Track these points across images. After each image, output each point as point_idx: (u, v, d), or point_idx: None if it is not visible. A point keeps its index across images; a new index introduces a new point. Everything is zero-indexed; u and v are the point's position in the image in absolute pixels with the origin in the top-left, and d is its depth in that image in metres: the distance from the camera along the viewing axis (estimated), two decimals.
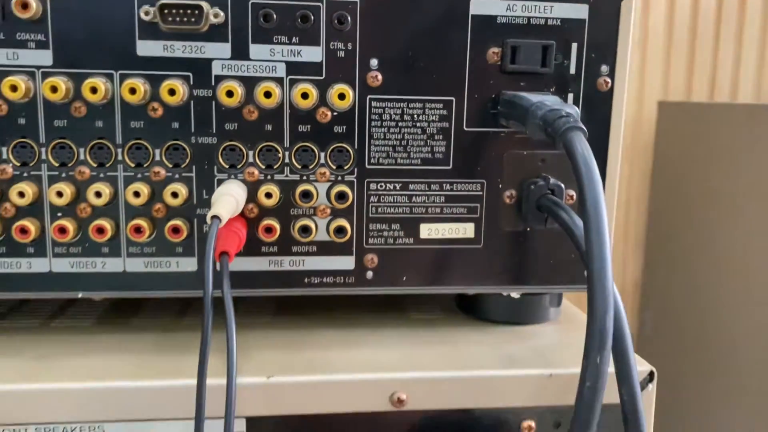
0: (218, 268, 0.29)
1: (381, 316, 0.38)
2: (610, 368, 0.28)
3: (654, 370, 0.31)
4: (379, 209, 0.33)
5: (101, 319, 0.37)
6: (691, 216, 1.07)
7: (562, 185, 0.34)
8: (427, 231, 0.34)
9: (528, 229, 0.34)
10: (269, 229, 0.32)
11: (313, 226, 0.33)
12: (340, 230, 0.33)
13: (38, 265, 0.32)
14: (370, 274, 0.34)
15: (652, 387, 0.31)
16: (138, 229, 0.31)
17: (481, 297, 0.37)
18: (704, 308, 1.03)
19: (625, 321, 0.28)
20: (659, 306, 1.20)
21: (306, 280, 0.34)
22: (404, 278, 0.34)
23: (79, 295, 0.32)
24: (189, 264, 0.33)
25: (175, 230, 0.32)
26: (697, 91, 1.16)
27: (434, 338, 0.35)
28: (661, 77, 1.16)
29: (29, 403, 0.28)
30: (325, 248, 0.33)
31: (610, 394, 0.29)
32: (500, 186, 0.34)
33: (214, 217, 0.28)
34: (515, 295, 0.36)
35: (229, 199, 0.30)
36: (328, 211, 0.33)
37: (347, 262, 0.34)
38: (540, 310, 0.37)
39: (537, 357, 0.32)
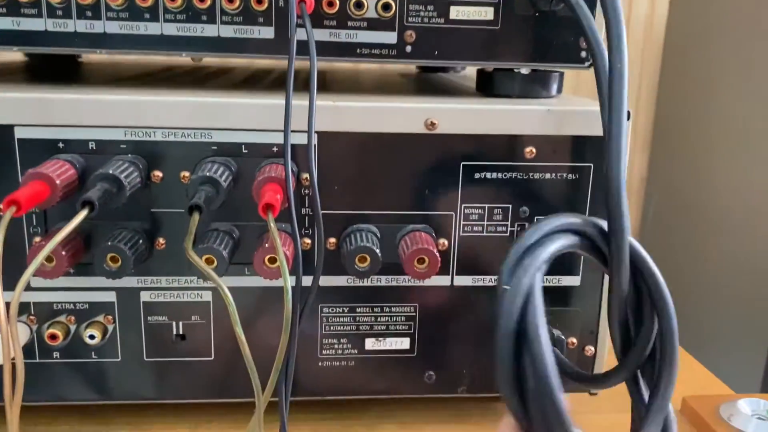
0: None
1: (413, 94, 0.47)
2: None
3: (630, 111, 0.40)
4: None
5: (197, 82, 0.47)
6: (694, 112, 1.14)
7: None
8: (455, 12, 0.42)
9: (537, 13, 0.43)
10: (331, 3, 0.41)
11: (365, 2, 0.41)
12: (386, 7, 0.42)
13: (152, 29, 0.41)
14: (409, 48, 0.43)
15: (628, 123, 0.40)
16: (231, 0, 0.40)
17: (496, 76, 0.46)
18: (702, 197, 1.10)
19: None
20: (662, 195, 1.28)
21: (358, 50, 0.42)
22: (436, 53, 0.43)
23: (183, 55, 0.42)
24: (268, 32, 0.42)
25: (259, 0, 0.41)
26: None
27: (459, 100, 0.44)
28: None
29: (157, 111, 0.38)
30: (373, 24, 0.42)
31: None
32: None
33: None
34: (525, 71, 0.44)
35: None
36: None
37: (391, 37, 0.42)
38: (545, 87, 0.45)
39: (540, 106, 0.41)
